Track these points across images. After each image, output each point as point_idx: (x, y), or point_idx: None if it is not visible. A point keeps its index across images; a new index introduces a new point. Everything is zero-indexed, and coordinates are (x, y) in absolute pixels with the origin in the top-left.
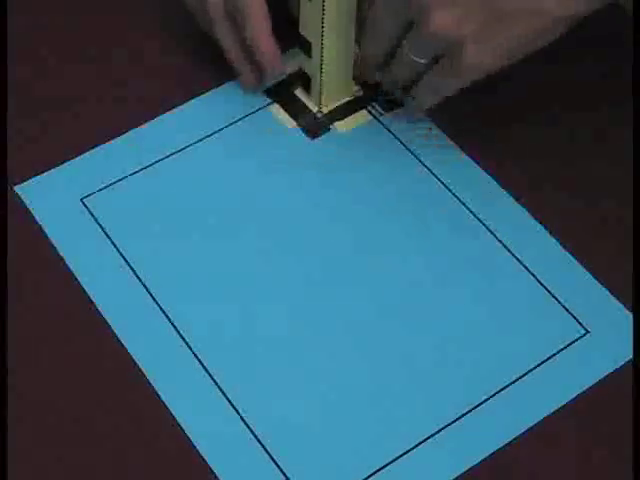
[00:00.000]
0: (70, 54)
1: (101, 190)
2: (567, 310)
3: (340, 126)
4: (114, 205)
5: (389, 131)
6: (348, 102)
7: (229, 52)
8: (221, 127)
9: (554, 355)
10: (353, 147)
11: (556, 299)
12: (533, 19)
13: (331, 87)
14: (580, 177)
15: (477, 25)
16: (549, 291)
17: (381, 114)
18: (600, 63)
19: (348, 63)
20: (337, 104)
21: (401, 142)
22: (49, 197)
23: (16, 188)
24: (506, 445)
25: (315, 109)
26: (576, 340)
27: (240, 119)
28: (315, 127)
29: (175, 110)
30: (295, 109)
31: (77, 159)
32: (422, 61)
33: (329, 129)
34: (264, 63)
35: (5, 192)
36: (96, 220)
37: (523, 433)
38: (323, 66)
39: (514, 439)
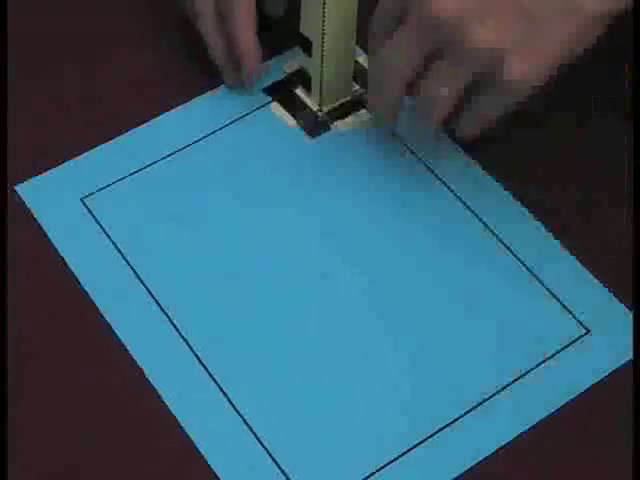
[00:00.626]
0: (70, 54)
1: (101, 190)
2: (567, 310)
3: (340, 125)
4: (114, 205)
5: (389, 130)
6: (348, 101)
7: (213, 48)
8: (221, 126)
9: (554, 355)
10: (353, 146)
11: (556, 298)
12: (570, 20)
13: (332, 86)
14: (580, 177)
15: (516, 36)
16: (549, 290)
17: None
18: (600, 63)
19: (349, 62)
20: (337, 103)
21: (401, 141)
22: (49, 197)
23: (16, 188)
24: (506, 445)
25: (315, 108)
26: (576, 340)
27: (240, 118)
28: (315, 126)
29: (175, 110)
30: (295, 108)
31: (77, 159)
32: (460, 86)
33: (329, 128)
34: (243, 61)
35: (5, 192)
36: (96, 220)
37: (523, 433)
38: (324, 65)
39: (514, 439)
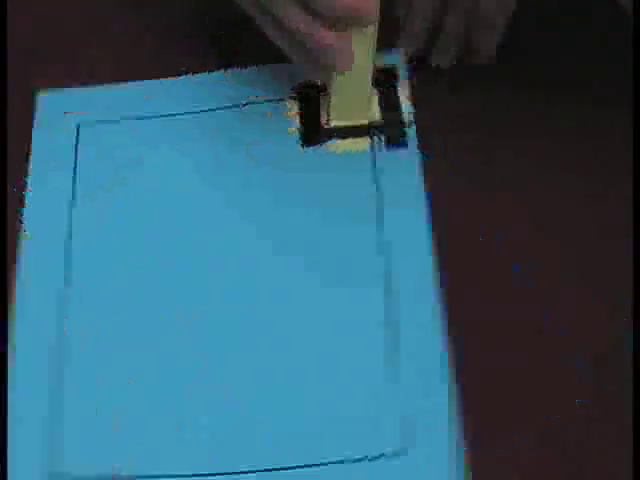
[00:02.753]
0: (70, 53)
1: (99, 123)
2: None
3: (335, 145)
4: (99, 143)
5: (374, 167)
6: (358, 125)
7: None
8: (228, 105)
9: None
10: (334, 169)
11: None
12: None
13: (342, 102)
14: (581, 177)
15: None
16: None
17: (380, 149)
18: (600, 63)
19: (365, 81)
20: (346, 123)
21: (375, 182)
22: (52, 115)
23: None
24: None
25: (323, 120)
26: None
27: (251, 103)
28: (312, 137)
29: (197, 76)
30: (306, 112)
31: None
32: None
33: (325, 142)
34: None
35: (5, 192)
36: (76, 150)
37: (523, 433)
38: (337, 78)
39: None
